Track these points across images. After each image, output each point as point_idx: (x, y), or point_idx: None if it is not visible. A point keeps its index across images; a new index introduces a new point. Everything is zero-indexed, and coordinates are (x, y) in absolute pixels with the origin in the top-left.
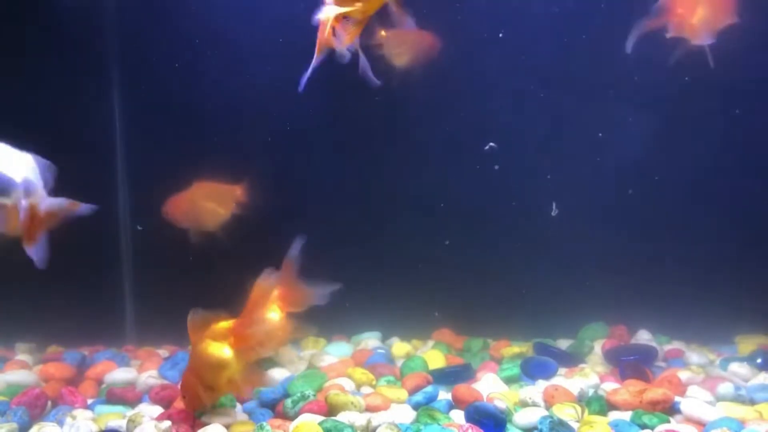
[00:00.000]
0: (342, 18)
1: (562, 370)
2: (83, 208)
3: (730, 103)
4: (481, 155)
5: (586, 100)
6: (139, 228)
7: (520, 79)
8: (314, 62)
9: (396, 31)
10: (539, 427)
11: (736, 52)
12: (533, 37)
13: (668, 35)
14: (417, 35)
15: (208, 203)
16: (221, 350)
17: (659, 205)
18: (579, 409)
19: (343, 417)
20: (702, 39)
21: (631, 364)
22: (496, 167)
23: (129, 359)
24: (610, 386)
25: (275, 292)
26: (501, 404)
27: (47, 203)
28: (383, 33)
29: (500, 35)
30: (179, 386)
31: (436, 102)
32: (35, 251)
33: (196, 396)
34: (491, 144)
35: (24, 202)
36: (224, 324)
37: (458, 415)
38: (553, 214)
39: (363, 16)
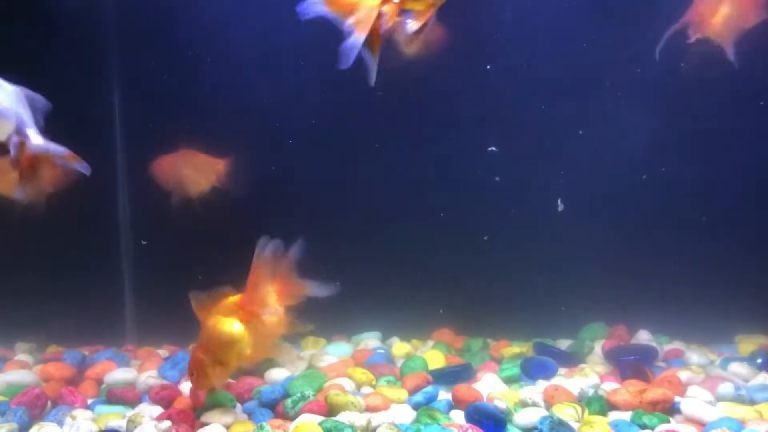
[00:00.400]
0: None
1: (562, 370)
2: (80, 165)
3: (733, 102)
4: (483, 156)
5: (584, 100)
6: (143, 242)
7: (521, 81)
8: (371, 55)
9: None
10: (539, 427)
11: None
12: (535, 38)
13: (695, 38)
14: (430, 27)
15: (189, 170)
16: (231, 325)
17: (659, 205)
18: (579, 409)
19: (343, 417)
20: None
21: (631, 364)
22: (497, 179)
23: (129, 359)
24: (610, 386)
25: (272, 287)
26: (501, 404)
27: (39, 144)
28: (397, 18)
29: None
30: (188, 364)
31: (439, 103)
32: (20, 192)
33: (205, 374)
34: (492, 148)
35: (14, 138)
36: (231, 299)
37: (458, 415)
38: (559, 209)
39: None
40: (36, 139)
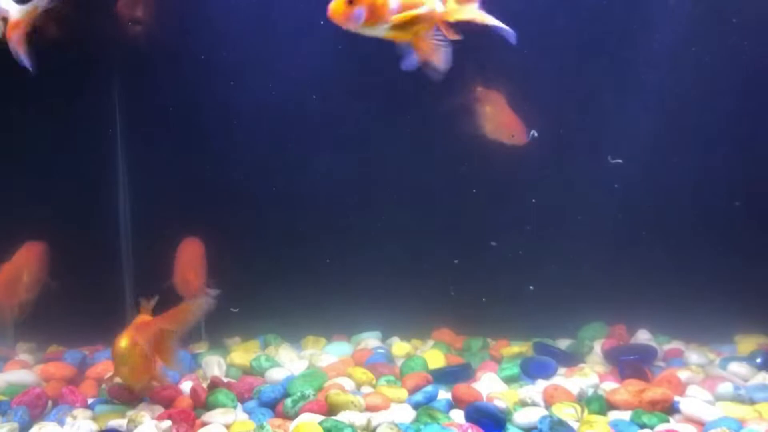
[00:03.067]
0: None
1: (561, 370)
2: None
3: (734, 103)
4: (484, 157)
5: (588, 100)
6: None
7: (524, 82)
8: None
9: (496, 103)
10: (539, 426)
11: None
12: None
13: None
14: (510, 118)
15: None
16: (119, 341)
17: (659, 204)
18: (579, 408)
19: (343, 417)
20: None
21: (631, 363)
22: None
23: None
24: (609, 386)
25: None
26: (501, 404)
27: (20, 10)
28: (481, 89)
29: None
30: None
31: (438, 102)
32: (22, 59)
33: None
34: (533, 132)
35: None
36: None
37: (458, 415)
38: (614, 161)
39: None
40: (14, 10)
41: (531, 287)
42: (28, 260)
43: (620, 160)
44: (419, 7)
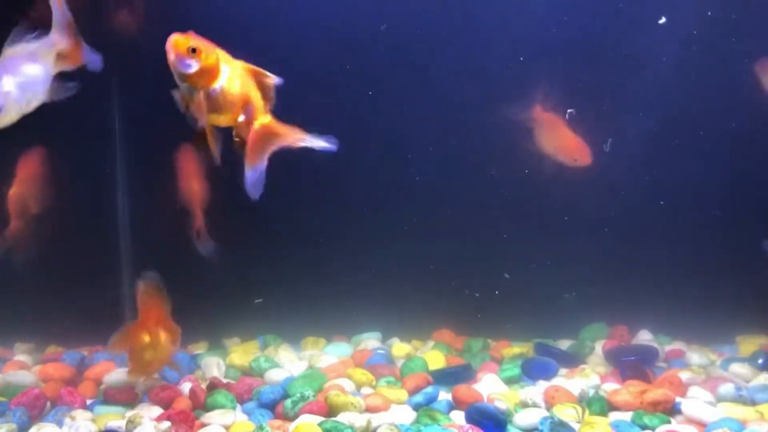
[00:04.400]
0: None
1: (562, 371)
2: None
3: (732, 104)
4: (485, 157)
5: (586, 102)
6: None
7: (523, 82)
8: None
9: (555, 124)
10: (540, 427)
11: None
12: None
13: None
14: (572, 139)
15: None
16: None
17: (660, 205)
18: (580, 409)
19: (343, 418)
20: None
21: (632, 364)
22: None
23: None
24: (610, 387)
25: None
26: (501, 405)
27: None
28: (541, 110)
29: None
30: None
31: (438, 103)
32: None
33: None
34: (570, 111)
35: None
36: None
37: (458, 416)
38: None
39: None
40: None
41: (506, 275)
42: (30, 174)
43: (610, 139)
44: (236, 100)
